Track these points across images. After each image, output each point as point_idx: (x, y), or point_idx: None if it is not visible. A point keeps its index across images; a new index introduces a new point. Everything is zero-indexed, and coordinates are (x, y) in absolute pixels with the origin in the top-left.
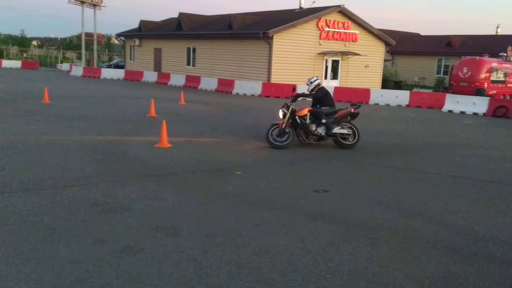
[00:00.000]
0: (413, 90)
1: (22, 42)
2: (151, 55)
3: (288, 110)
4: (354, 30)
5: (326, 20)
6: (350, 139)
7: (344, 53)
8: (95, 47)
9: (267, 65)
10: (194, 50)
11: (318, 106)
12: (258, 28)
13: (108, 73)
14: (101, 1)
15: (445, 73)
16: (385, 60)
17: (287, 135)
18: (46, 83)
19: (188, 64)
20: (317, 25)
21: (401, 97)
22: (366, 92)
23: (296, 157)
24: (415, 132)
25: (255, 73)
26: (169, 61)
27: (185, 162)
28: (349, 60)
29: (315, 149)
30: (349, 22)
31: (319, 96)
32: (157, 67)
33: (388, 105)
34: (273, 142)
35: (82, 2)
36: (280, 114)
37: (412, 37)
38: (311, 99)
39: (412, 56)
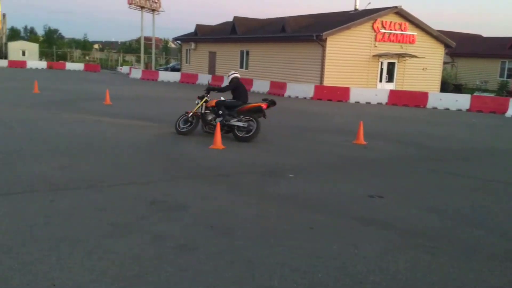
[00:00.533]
0: (474, 94)
1: (84, 46)
2: (206, 58)
3: (201, 101)
4: (412, 31)
5: (382, 21)
6: (245, 132)
7: (400, 55)
8: (153, 50)
9: (319, 67)
10: (247, 53)
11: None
12: (311, 31)
13: (165, 75)
14: (160, 6)
15: (509, 76)
16: (444, 63)
17: (189, 123)
18: (107, 85)
19: (241, 67)
20: (373, 26)
21: (461, 101)
22: (423, 96)
23: (350, 161)
24: (476, 137)
25: (307, 75)
26: (222, 64)
27: (238, 164)
28: (405, 62)
29: (367, 154)
30: (407, 23)
31: (230, 88)
32: (211, 70)
33: (448, 109)
34: (177, 128)
35: (142, 7)
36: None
37: (473, 38)
38: (223, 92)
39: (473, 59)
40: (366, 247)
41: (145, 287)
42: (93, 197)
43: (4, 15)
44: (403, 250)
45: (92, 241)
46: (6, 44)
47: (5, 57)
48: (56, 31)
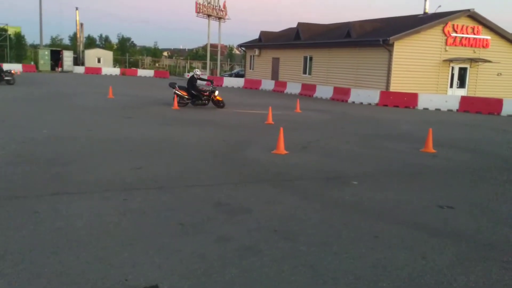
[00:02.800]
0: None
1: (154, 53)
2: (269, 64)
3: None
4: (485, 35)
5: (453, 25)
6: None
7: (473, 60)
8: (218, 57)
9: (386, 73)
10: (310, 58)
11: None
12: (377, 35)
13: (229, 81)
14: (226, 14)
15: None
16: None
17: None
18: None
19: (304, 72)
20: (443, 30)
21: None
22: (498, 102)
23: (418, 170)
24: None
25: (373, 81)
26: (286, 69)
27: (301, 169)
28: (479, 67)
29: (436, 163)
30: (480, 26)
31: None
32: (275, 75)
33: None
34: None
35: (209, 16)
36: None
37: None
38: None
39: None
40: (434, 258)
41: (211, 286)
42: (163, 198)
43: (81, 25)
44: (474, 263)
45: (162, 239)
46: (83, 51)
47: (82, 64)
48: (128, 39)
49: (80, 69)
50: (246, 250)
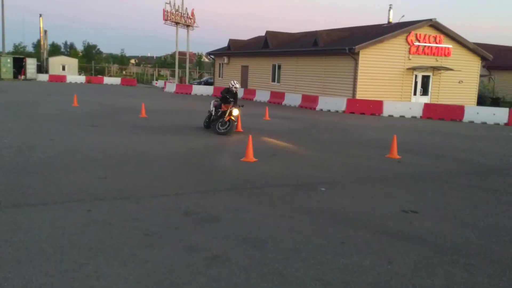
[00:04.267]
0: None
1: (121, 61)
2: (239, 72)
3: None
4: (447, 44)
5: (416, 34)
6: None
7: (435, 68)
8: (187, 65)
9: (352, 81)
10: (279, 67)
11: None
12: (344, 44)
13: (198, 89)
14: (194, 22)
15: None
16: (481, 76)
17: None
18: (143, 98)
19: (273, 80)
20: (407, 39)
21: (499, 114)
22: (459, 109)
23: (384, 176)
24: None
25: (340, 89)
26: (255, 77)
27: (269, 176)
28: (441, 75)
29: (401, 168)
30: (442, 36)
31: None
32: (244, 83)
33: (485, 123)
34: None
35: (177, 23)
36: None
37: (511, 50)
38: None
39: None
40: (399, 262)
41: None
42: (129, 208)
43: (45, 32)
44: (438, 266)
45: (128, 250)
46: (47, 59)
47: (46, 72)
48: (94, 46)
49: (44, 77)
50: (214, 259)
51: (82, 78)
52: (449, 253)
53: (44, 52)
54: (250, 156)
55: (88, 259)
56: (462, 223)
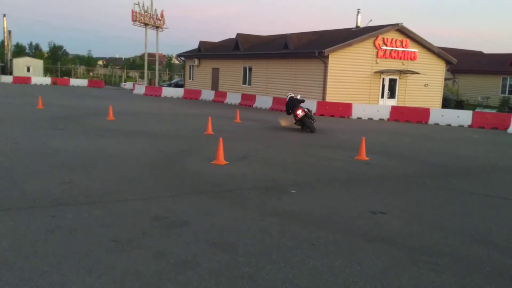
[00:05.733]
0: (476, 110)
1: (88, 62)
2: (209, 74)
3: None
4: (413, 48)
5: (383, 38)
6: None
7: (402, 72)
8: (156, 67)
9: (322, 84)
10: (250, 69)
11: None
12: (313, 48)
13: (168, 91)
14: (163, 23)
15: (511, 92)
16: (445, 79)
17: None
18: (111, 101)
19: (244, 83)
20: (374, 43)
21: (463, 117)
22: (425, 112)
23: (353, 177)
24: (478, 153)
25: (310, 91)
26: (226, 80)
27: (240, 179)
28: (407, 78)
29: (369, 170)
30: (408, 40)
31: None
32: (215, 86)
33: (449, 125)
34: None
35: (146, 24)
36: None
37: (474, 55)
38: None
39: (475, 75)
40: (368, 263)
41: None
42: (95, 213)
43: (9, 32)
44: (406, 267)
45: (94, 257)
46: (11, 60)
47: (10, 73)
48: (61, 47)
49: (7, 79)
50: (184, 264)
51: (47, 80)
52: (416, 253)
53: (8, 53)
54: (221, 159)
55: (53, 266)
56: (428, 223)
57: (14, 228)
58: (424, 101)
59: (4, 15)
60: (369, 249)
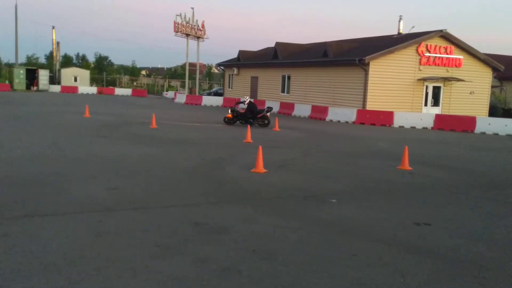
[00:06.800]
0: None
1: (132, 72)
2: (248, 83)
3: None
4: (458, 55)
5: (427, 45)
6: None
7: (446, 79)
8: (197, 76)
9: (362, 91)
10: (289, 77)
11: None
12: (354, 55)
13: (208, 100)
14: (204, 34)
15: None
16: (492, 86)
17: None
18: (154, 109)
19: (283, 91)
20: (417, 50)
21: (511, 126)
22: (471, 120)
23: (395, 187)
24: None
25: (350, 100)
26: (264, 88)
27: (279, 188)
28: (452, 86)
29: (412, 180)
30: (452, 46)
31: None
32: (253, 94)
33: (497, 134)
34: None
35: (187, 35)
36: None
37: None
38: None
39: None
40: (413, 276)
41: None
42: (139, 219)
43: (58, 43)
44: (451, 280)
45: (138, 261)
46: (59, 70)
47: (59, 83)
48: (106, 58)
49: (56, 88)
50: (225, 271)
51: (93, 89)
52: (462, 267)
53: (56, 63)
54: (260, 167)
55: (99, 270)
56: (474, 235)
57: (62, 232)
58: (470, 109)
59: (53, 27)
60: (413, 261)
